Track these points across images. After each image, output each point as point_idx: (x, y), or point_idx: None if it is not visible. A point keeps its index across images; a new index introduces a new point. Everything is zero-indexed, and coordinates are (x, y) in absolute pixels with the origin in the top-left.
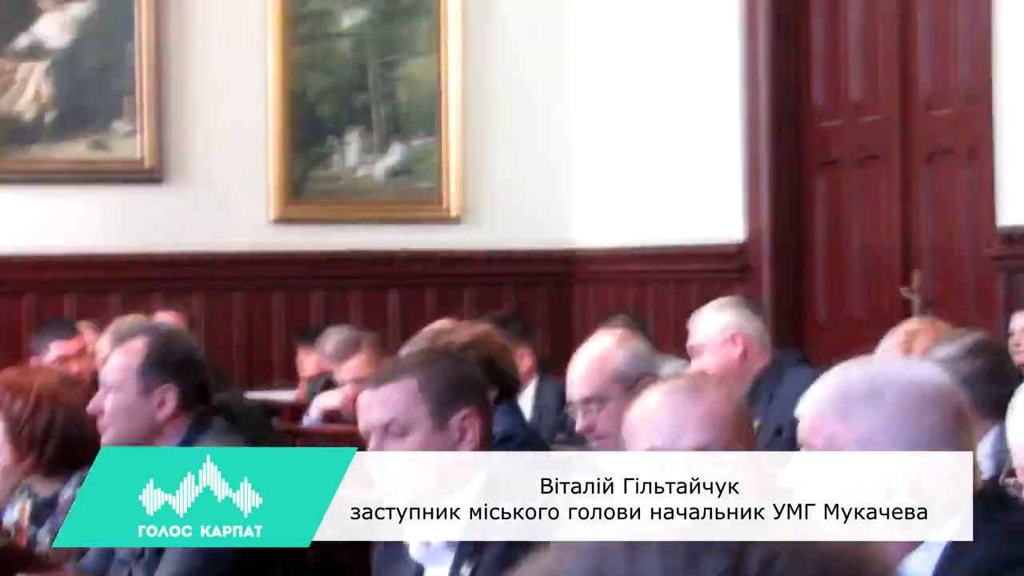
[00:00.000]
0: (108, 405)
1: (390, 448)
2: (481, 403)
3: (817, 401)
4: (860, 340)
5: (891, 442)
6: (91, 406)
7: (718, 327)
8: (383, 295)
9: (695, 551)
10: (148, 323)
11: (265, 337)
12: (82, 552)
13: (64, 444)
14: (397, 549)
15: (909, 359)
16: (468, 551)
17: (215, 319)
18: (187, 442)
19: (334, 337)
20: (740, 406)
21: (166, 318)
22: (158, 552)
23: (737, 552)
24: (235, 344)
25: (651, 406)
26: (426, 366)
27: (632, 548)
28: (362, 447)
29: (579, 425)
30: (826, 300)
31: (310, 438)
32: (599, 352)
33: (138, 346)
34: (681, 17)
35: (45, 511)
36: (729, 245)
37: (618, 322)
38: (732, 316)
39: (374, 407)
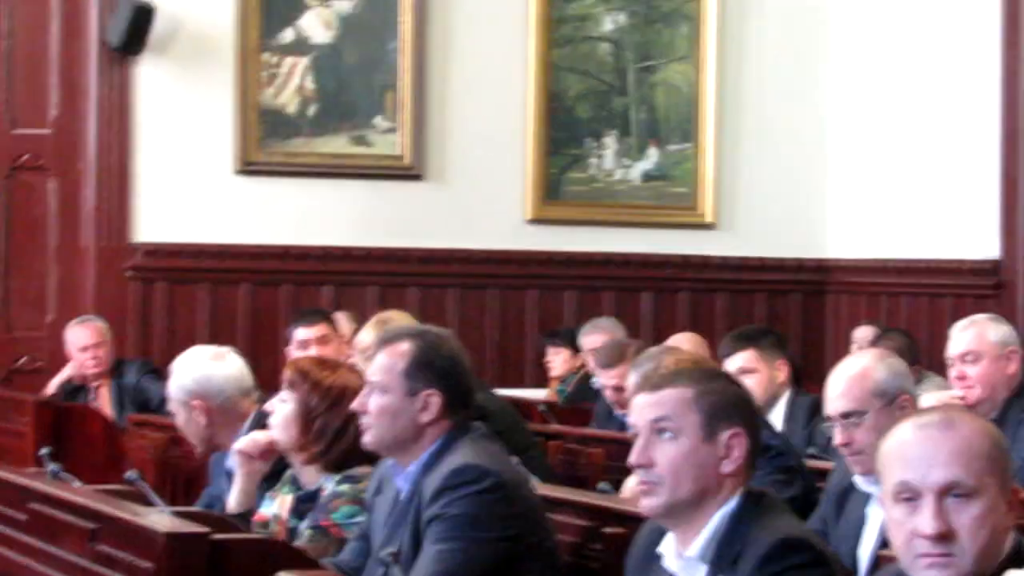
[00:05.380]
0: (373, 405)
1: (657, 449)
2: (750, 426)
3: None
4: None
5: None
6: (356, 404)
7: (999, 338)
8: (636, 297)
9: None
10: (415, 326)
11: (518, 335)
12: (339, 548)
13: (355, 444)
14: (652, 559)
15: None
16: (724, 564)
17: (468, 315)
18: (444, 447)
19: (601, 340)
20: (997, 440)
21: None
22: (415, 551)
23: None
24: (487, 341)
25: (902, 438)
26: (704, 380)
27: None
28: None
29: (837, 439)
30: None
31: (562, 438)
32: (859, 367)
33: (405, 348)
34: (941, 28)
35: (307, 505)
36: (984, 261)
37: (891, 339)
38: (1010, 331)
39: (649, 407)
